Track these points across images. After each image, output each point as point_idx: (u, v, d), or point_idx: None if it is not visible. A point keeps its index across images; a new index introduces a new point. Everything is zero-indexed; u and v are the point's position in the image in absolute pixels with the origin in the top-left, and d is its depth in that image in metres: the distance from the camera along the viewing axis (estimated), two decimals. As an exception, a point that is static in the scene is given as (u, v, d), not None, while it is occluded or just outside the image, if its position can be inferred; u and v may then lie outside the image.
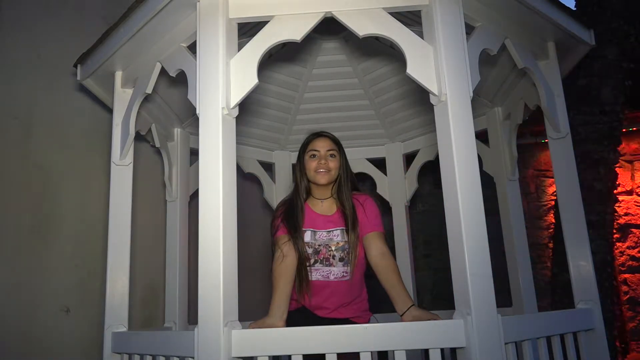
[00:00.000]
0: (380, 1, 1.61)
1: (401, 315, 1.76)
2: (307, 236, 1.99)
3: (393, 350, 1.41)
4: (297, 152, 2.12)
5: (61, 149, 2.45)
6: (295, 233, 1.95)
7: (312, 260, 1.98)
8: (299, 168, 2.09)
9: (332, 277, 1.98)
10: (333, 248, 1.99)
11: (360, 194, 2.08)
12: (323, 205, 2.06)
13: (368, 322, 2.03)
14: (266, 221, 3.53)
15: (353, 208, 1.99)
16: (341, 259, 1.98)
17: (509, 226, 2.50)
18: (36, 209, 2.33)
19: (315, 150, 2.03)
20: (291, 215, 2.00)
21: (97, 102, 2.40)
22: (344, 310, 2.01)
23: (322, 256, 1.98)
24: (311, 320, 1.95)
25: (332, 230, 2.01)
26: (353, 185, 2.10)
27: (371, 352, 1.41)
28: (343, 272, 1.98)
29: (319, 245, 1.99)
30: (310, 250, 1.98)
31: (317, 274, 1.98)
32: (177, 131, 2.59)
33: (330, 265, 1.98)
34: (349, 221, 1.98)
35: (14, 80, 2.35)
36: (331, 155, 2.03)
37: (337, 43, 2.67)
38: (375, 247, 1.92)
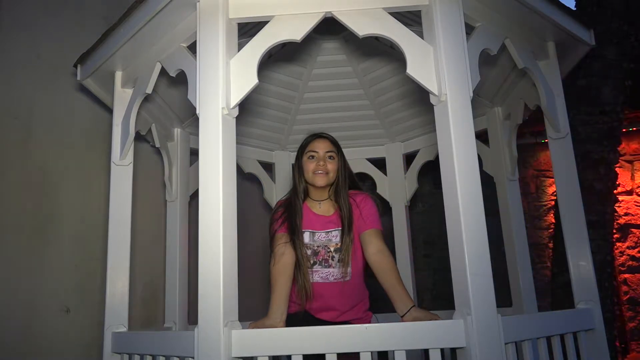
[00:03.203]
0: (380, 1, 1.61)
1: (402, 317, 1.75)
2: (306, 237, 1.98)
3: (393, 351, 1.41)
4: (296, 153, 2.11)
5: (61, 149, 2.45)
6: (294, 235, 1.93)
7: (311, 262, 1.96)
8: (297, 169, 2.06)
9: (331, 279, 1.95)
10: (332, 249, 1.97)
11: (359, 192, 2.06)
12: (321, 206, 2.04)
13: (369, 322, 2.02)
14: (266, 221, 3.55)
15: (350, 210, 1.97)
16: (340, 260, 1.95)
17: (509, 226, 2.50)
18: (36, 209, 2.33)
19: (314, 152, 2.00)
20: (290, 217, 1.98)
21: (97, 102, 2.40)
22: (346, 315, 1.99)
23: (320, 257, 1.96)
24: (312, 324, 1.91)
25: (331, 231, 1.99)
26: (353, 183, 2.09)
27: (371, 352, 1.42)
28: (342, 273, 1.95)
29: (318, 247, 1.97)
30: (309, 252, 1.96)
31: (316, 275, 1.95)
32: (177, 131, 2.60)
33: (329, 266, 1.95)
34: (345, 223, 1.96)
35: (14, 80, 2.35)
36: (330, 157, 2.00)
37: (337, 43, 2.66)
38: (372, 245, 1.90)
